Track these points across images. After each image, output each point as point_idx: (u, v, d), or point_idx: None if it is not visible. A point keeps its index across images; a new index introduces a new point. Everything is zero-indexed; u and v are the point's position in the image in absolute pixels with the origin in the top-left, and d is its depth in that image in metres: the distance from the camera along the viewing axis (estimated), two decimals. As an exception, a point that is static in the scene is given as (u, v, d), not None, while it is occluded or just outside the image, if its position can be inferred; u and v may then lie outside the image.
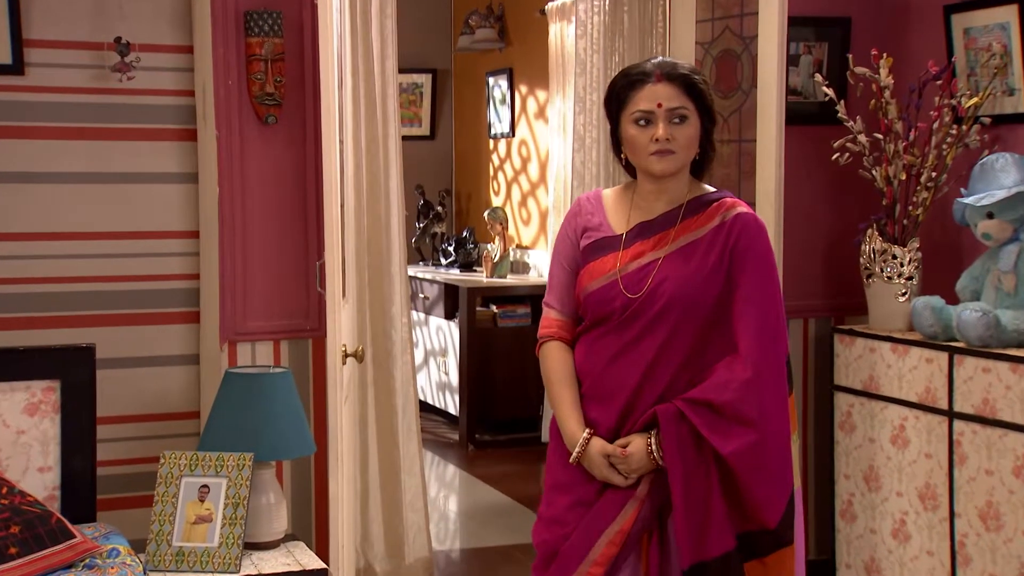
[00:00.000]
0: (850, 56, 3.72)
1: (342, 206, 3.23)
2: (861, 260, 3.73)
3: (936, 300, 3.42)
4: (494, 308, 6.25)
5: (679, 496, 2.23)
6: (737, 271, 2.29)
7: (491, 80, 7.07)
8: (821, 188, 3.92)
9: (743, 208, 2.34)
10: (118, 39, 3.29)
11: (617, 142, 2.37)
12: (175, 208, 3.44)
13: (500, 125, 7.00)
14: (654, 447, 2.27)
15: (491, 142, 7.15)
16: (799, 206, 3.84)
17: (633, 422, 2.30)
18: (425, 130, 7.64)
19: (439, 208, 7.22)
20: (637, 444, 2.28)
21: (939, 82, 3.56)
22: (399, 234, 3.87)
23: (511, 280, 6.39)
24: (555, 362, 2.39)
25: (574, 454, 2.31)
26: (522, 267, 6.66)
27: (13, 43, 3.23)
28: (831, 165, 3.76)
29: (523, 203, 6.79)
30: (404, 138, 7.45)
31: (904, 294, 3.65)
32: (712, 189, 2.40)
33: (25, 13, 3.25)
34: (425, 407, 6.65)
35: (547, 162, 6.15)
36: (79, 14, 3.30)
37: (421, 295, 6.71)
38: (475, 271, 6.73)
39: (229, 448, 2.95)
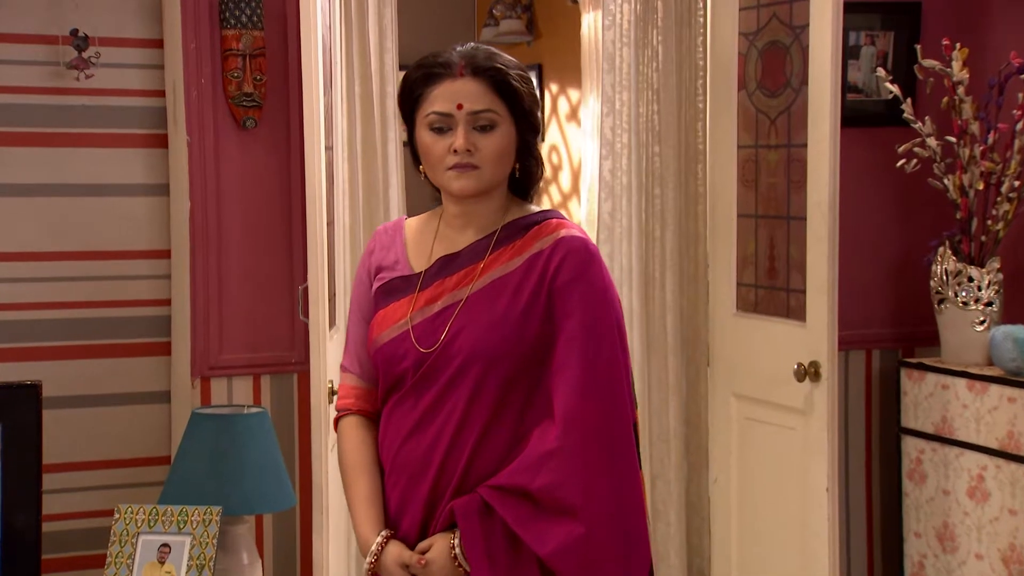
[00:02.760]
0: (919, 47, 3.67)
1: (330, 222, 3.17)
2: (932, 283, 3.65)
3: (1019, 330, 3.36)
4: (519, 336, 6.16)
5: None
6: (559, 312, 2.03)
7: (518, 78, 7.00)
8: (884, 200, 3.86)
9: (569, 231, 2.07)
10: (74, 31, 3.26)
11: (415, 151, 2.12)
12: (142, 224, 3.39)
13: (528, 128, 6.91)
14: (458, 550, 2.01)
15: (518, 148, 7.07)
16: (858, 221, 3.78)
17: (440, 516, 2.05)
18: (444, 134, 7.57)
19: (459, 222, 7.12)
20: (439, 548, 2.03)
21: (1023, 76, 3.51)
22: (399, 253, 3.77)
23: (539, 304, 6.28)
24: (350, 443, 2.15)
25: (366, 564, 2.09)
26: (551, 289, 6.54)
27: (-44, 38, 3.20)
28: (896, 173, 3.69)
29: (553, 217, 6.68)
30: (420, 143, 7.60)
31: (982, 322, 3.58)
32: (536, 208, 2.15)
33: (-30, 4, 3.21)
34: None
35: (580, 171, 6.07)
36: (29, 3, 3.26)
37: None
38: (498, 294, 6.62)
39: (196, 501, 2.89)
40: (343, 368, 2.23)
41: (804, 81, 3.44)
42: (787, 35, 3.59)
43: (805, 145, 3.40)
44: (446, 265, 2.10)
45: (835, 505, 3.30)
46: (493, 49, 2.10)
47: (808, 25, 3.39)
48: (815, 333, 3.33)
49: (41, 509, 2.88)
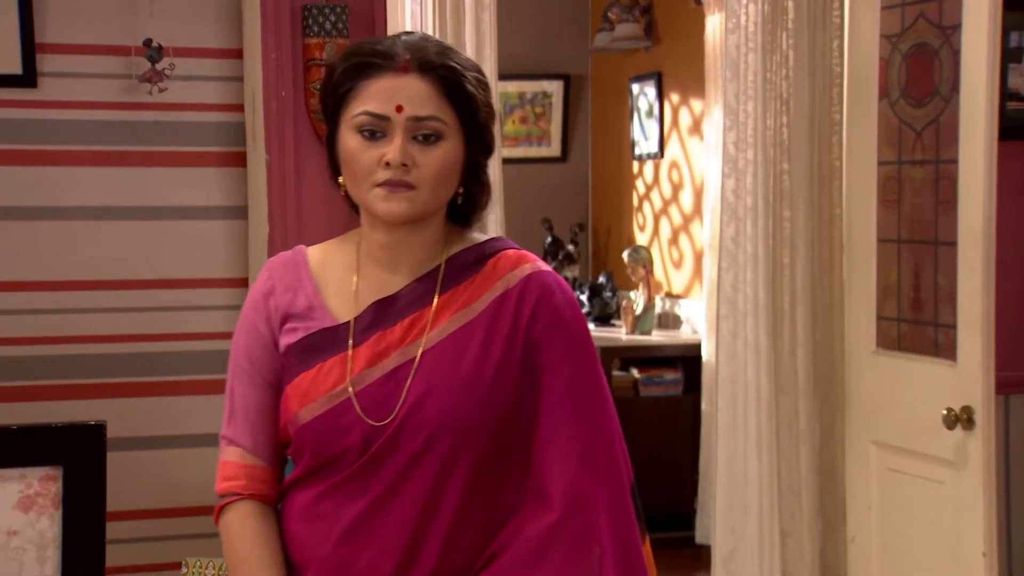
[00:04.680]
0: (1089, 48, 3.51)
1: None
2: (1106, 318, 3.48)
3: None
4: (635, 372, 6.12)
5: None
6: (540, 365, 1.81)
7: (635, 87, 6.97)
8: (1051, 222, 3.70)
9: (534, 265, 1.86)
10: (147, 41, 3.28)
11: (334, 157, 1.86)
12: (217, 250, 3.41)
13: (646, 143, 6.88)
14: None
15: (635, 164, 7.05)
16: (1018, 246, 3.68)
17: None
18: (555, 150, 7.58)
19: (570, 247, 7.13)
20: None
21: None
22: (497, 282, 3.74)
23: (657, 337, 6.25)
24: (244, 540, 1.85)
25: None
26: (671, 321, 6.51)
27: (24, 49, 3.26)
28: (1064, 192, 3.54)
29: (674, 241, 6.64)
30: (529, 160, 7.64)
31: None
32: (481, 237, 1.91)
33: (39, 13, 3.26)
34: (549, 495, 6.51)
35: (703, 190, 6.01)
36: (102, 13, 3.31)
37: (545, 355, 6.58)
38: (613, 325, 6.60)
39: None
40: (226, 440, 1.91)
41: (955, 88, 3.32)
42: (936, 37, 3.47)
43: (956, 161, 3.27)
44: (382, 312, 1.84)
45: (994, 574, 3.14)
46: (447, 44, 1.88)
47: (960, 25, 3.27)
48: (967, 374, 3.20)
49: (104, 561, 2.89)
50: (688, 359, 5.98)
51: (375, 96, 1.79)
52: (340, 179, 1.86)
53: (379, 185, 1.78)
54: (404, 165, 1.77)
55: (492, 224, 3.67)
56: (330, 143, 1.87)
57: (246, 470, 1.88)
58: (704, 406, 5.51)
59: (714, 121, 5.28)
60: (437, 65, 1.79)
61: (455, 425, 1.78)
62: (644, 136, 6.88)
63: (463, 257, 1.86)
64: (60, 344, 3.31)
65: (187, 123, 3.38)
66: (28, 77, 3.26)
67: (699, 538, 5.61)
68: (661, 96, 6.72)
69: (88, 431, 2.91)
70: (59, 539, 2.89)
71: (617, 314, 6.67)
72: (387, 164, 1.77)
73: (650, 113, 6.81)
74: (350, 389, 1.81)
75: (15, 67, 3.25)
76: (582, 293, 6.83)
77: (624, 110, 7.11)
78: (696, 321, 6.19)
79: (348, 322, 1.84)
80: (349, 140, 1.81)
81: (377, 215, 1.81)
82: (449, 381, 1.79)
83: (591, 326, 6.44)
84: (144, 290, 3.36)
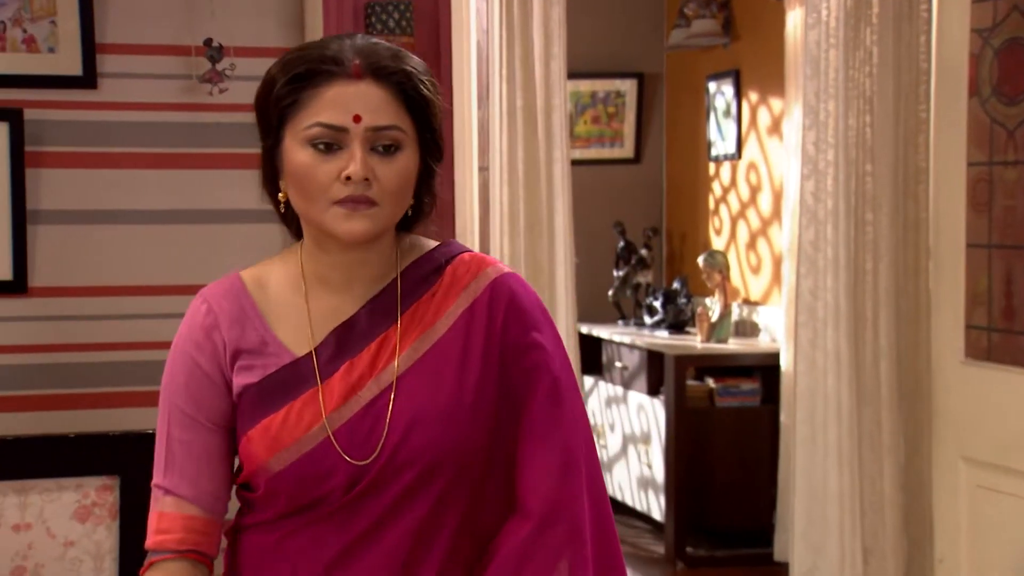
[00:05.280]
0: None
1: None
2: None
3: None
4: (711, 382, 6.08)
5: None
6: (515, 376, 1.76)
7: (712, 86, 6.92)
8: None
9: (495, 268, 1.81)
10: (208, 41, 3.29)
11: (273, 171, 1.75)
12: (279, 255, 3.39)
13: (723, 144, 6.84)
14: None
15: (712, 166, 7.01)
16: None
17: None
18: (628, 151, 7.54)
19: (643, 252, 7.08)
20: None
21: None
22: (566, 285, 3.78)
23: (734, 346, 6.20)
24: None
25: None
26: (749, 329, 6.46)
27: (84, 49, 3.27)
28: None
29: (751, 245, 6.59)
30: (601, 162, 7.62)
31: None
32: (429, 243, 1.83)
33: (99, 13, 3.28)
34: (621, 509, 6.50)
35: (782, 192, 5.95)
36: (163, 12, 3.32)
37: (618, 364, 6.58)
38: (687, 333, 6.56)
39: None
40: (162, 490, 1.80)
41: (1050, 85, 3.25)
42: (1029, 31, 3.40)
43: (1051, 162, 3.21)
44: (345, 339, 1.74)
45: (1089, 597, 3.06)
46: (392, 45, 1.77)
47: (1055, 18, 3.21)
48: (1063, 387, 3.13)
49: (160, 574, 2.91)
50: (766, 369, 5.95)
51: (329, 106, 1.68)
52: (281, 195, 1.75)
53: (339, 202, 1.68)
54: (366, 180, 1.67)
55: (560, 229, 3.67)
56: (267, 158, 1.75)
57: (184, 522, 1.78)
58: (783, 418, 5.46)
59: (794, 121, 5.24)
60: (393, 70, 1.70)
61: (446, 455, 1.71)
62: (721, 136, 6.84)
63: (418, 268, 1.79)
64: (118, 350, 3.32)
65: (247, 125, 3.33)
66: (88, 78, 3.27)
67: (777, 555, 5.56)
68: (739, 95, 6.67)
69: (145, 440, 2.91)
70: (116, 550, 2.91)
71: (692, 321, 6.63)
72: (347, 179, 1.66)
73: (727, 112, 6.77)
74: (328, 428, 1.71)
75: (75, 68, 3.27)
76: (656, 299, 6.79)
77: (700, 109, 7.07)
78: (775, 329, 6.14)
79: (309, 354, 1.74)
80: (298, 154, 1.69)
81: (337, 235, 1.70)
82: (433, 408, 1.71)
83: (664, 334, 6.48)
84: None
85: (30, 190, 3.23)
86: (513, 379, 1.76)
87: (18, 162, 3.20)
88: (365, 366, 1.74)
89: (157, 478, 1.81)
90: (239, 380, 1.76)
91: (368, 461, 1.70)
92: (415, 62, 1.74)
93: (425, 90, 1.72)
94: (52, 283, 3.26)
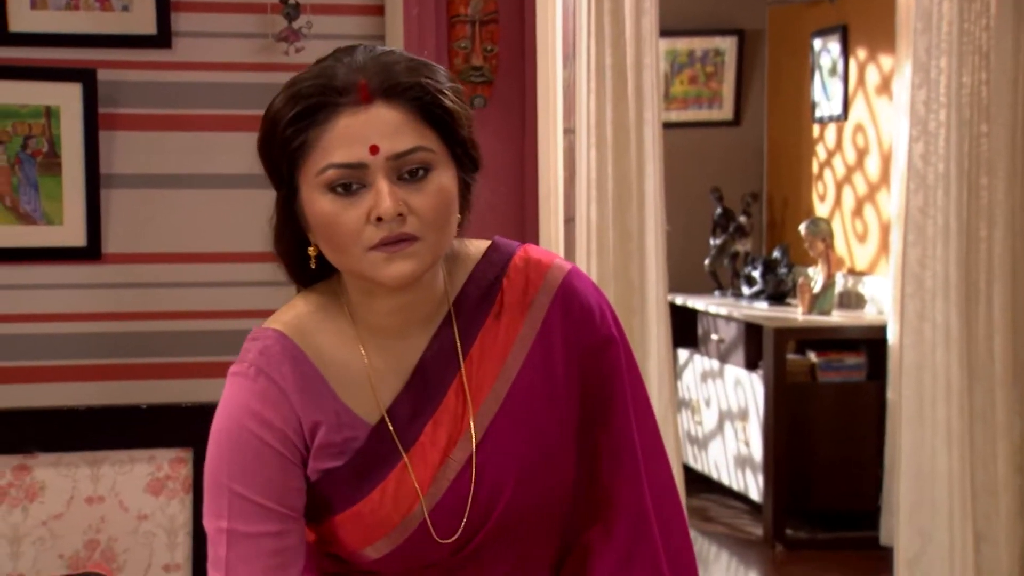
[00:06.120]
0: None
1: (569, 219, 3.13)
2: None
3: None
4: (813, 356, 6.05)
5: None
6: (592, 385, 1.65)
7: (817, 43, 6.86)
8: None
9: (555, 263, 1.68)
10: (284, -1, 3.30)
11: (293, 223, 1.60)
12: (356, 221, 3.40)
13: (829, 105, 6.78)
14: None
15: (816, 127, 6.95)
16: None
17: None
18: (727, 113, 7.51)
19: (742, 219, 7.05)
20: None
21: None
22: (656, 254, 3.75)
23: (837, 318, 6.15)
24: None
25: None
26: (854, 300, 6.40)
27: (158, 8, 3.29)
28: None
29: (857, 212, 6.53)
30: (698, 124, 7.56)
31: None
32: (472, 252, 1.69)
33: (174, -31, 3.30)
34: (717, 488, 6.53)
35: (891, 155, 5.88)
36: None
37: (714, 336, 6.57)
38: (788, 304, 6.53)
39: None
40: None
41: None
42: None
43: None
44: (420, 395, 1.60)
45: None
46: (403, 52, 1.61)
47: None
48: None
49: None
50: (873, 342, 5.89)
51: (340, 142, 1.52)
52: (311, 249, 1.60)
53: (375, 248, 1.53)
54: (400, 215, 1.52)
55: (650, 194, 3.65)
56: (284, 211, 1.60)
57: None
58: (890, 394, 5.40)
59: (904, 79, 5.16)
60: (406, 85, 1.54)
61: (549, 511, 1.63)
62: (826, 96, 6.79)
63: (472, 289, 1.65)
64: (193, 319, 3.35)
65: (326, 85, 3.39)
66: (163, 37, 3.29)
67: (884, 539, 5.51)
68: (846, 52, 6.60)
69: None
70: (190, 524, 2.94)
71: (793, 292, 6.61)
72: (379, 219, 1.51)
73: (833, 71, 6.71)
74: (423, 511, 1.59)
75: (150, 27, 3.29)
76: (754, 269, 6.75)
77: (804, 68, 7.02)
78: (882, 301, 6.09)
79: (383, 419, 1.60)
80: (318, 203, 1.54)
81: (382, 282, 1.55)
82: (532, 465, 1.61)
83: (763, 305, 6.45)
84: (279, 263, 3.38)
85: (103, 153, 3.26)
86: (591, 384, 1.66)
87: (91, 124, 3.23)
88: (449, 422, 1.61)
89: None
90: (319, 463, 1.61)
91: (469, 535, 1.61)
92: (432, 69, 1.59)
93: (447, 101, 1.56)
94: (126, 249, 3.30)
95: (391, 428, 1.60)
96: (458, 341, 1.62)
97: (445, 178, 1.56)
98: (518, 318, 1.63)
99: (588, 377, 1.65)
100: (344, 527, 1.61)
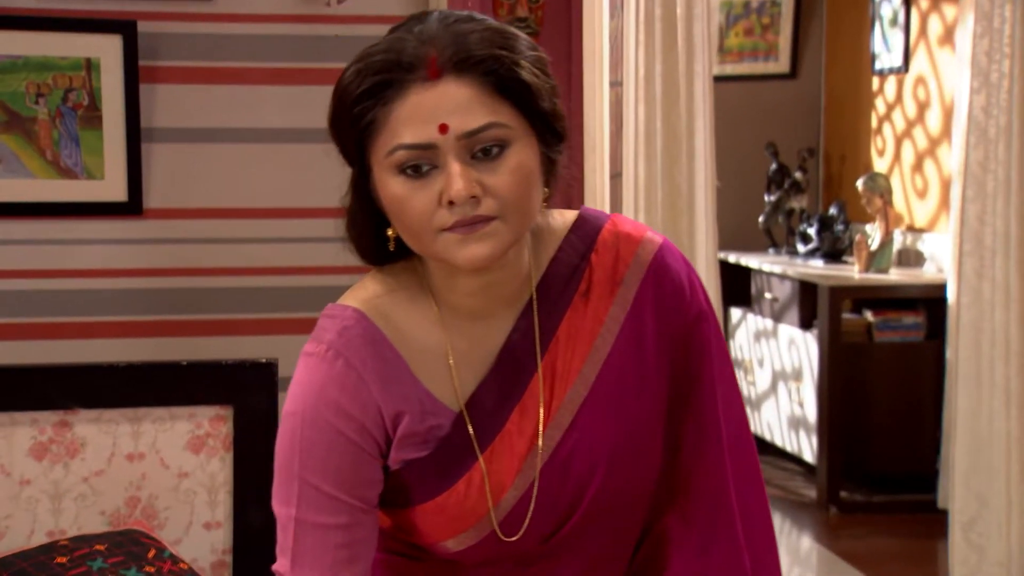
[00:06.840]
0: None
1: (616, 175, 3.12)
2: None
3: None
4: (869, 315, 6.03)
5: None
6: (679, 367, 1.61)
7: (878, -7, 6.78)
8: None
9: (646, 237, 1.63)
10: (326, -51, 3.30)
11: (368, 205, 1.56)
12: (399, 176, 3.40)
13: (889, 56, 6.71)
14: None
15: (876, 80, 6.89)
16: None
17: None
18: (783, 66, 7.45)
19: (798, 175, 7.01)
20: None
21: None
22: (706, 211, 3.74)
23: (895, 276, 6.12)
24: None
25: None
26: (913, 258, 6.37)
27: (199, -41, 3.30)
28: None
29: (917, 167, 6.48)
30: (753, 78, 7.52)
31: None
32: (558, 224, 1.63)
33: (214, -81, 3.31)
34: (770, 450, 6.52)
35: (953, 109, 5.82)
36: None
37: (768, 295, 6.55)
38: (844, 262, 6.50)
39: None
40: None
41: None
42: None
43: None
44: (505, 378, 1.56)
45: None
46: (483, 17, 1.53)
47: None
48: None
49: (275, 507, 2.96)
50: (932, 301, 5.87)
51: (408, 122, 1.46)
52: (390, 231, 1.56)
53: (448, 229, 1.48)
54: (474, 197, 1.47)
55: (700, 150, 3.62)
56: (359, 191, 1.56)
57: None
58: (949, 354, 5.35)
59: (967, 29, 5.09)
60: (479, 58, 1.47)
61: (638, 497, 1.61)
62: (887, 48, 6.72)
63: (557, 271, 1.59)
64: (234, 275, 3.36)
65: (368, 37, 3.35)
66: (203, -12, 3.31)
67: (941, 502, 5.48)
68: (908, 1, 6.53)
69: (259, 369, 2.96)
70: (230, 483, 2.96)
71: (849, 250, 6.58)
72: (450, 202, 1.47)
73: (894, 21, 6.64)
74: (512, 502, 1.56)
75: (190, -23, 3.31)
76: (810, 226, 6.72)
77: (864, 18, 6.95)
78: (942, 259, 6.05)
79: (467, 406, 1.56)
80: (390, 185, 1.50)
81: (458, 265, 1.50)
82: (622, 451, 1.58)
83: (819, 263, 6.42)
84: (321, 219, 3.38)
85: (144, 107, 3.28)
86: (679, 363, 1.63)
87: (132, 77, 3.24)
88: (535, 408, 1.56)
89: (283, 569, 1.59)
90: (402, 454, 1.57)
91: (565, 520, 1.58)
92: (509, 39, 1.50)
93: (524, 73, 1.48)
94: (167, 204, 3.31)
95: (476, 416, 1.56)
96: (544, 322, 1.58)
97: (524, 154, 1.49)
98: (607, 297, 1.58)
99: (677, 356, 1.61)
100: (425, 518, 1.58)
